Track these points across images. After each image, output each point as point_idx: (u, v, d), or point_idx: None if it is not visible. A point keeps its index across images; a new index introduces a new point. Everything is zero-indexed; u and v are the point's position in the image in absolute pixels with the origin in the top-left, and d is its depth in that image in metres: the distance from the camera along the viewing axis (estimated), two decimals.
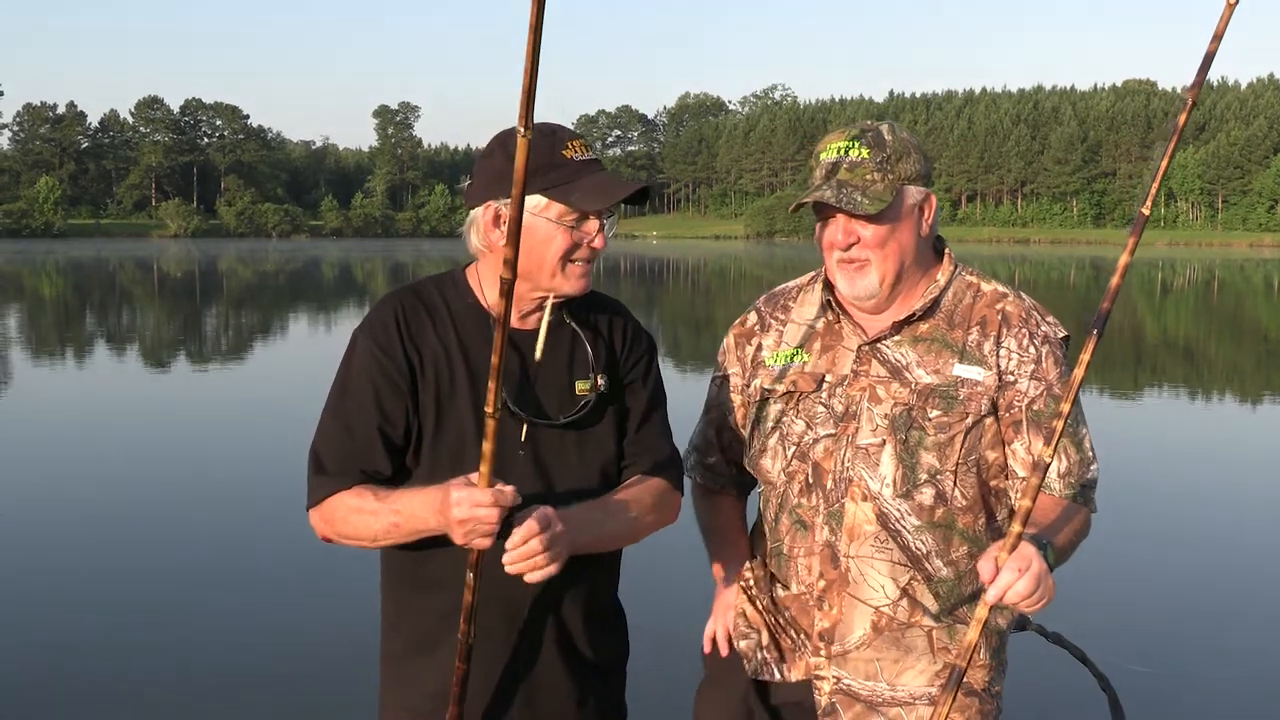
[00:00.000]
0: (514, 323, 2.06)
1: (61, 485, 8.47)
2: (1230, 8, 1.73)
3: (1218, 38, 1.75)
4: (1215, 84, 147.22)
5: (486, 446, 1.82)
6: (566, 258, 2.03)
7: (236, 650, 5.15)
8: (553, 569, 1.88)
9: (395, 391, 2.05)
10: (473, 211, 2.09)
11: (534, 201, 1.98)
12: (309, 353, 18.92)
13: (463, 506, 1.84)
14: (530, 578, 1.88)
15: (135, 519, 7.49)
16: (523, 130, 1.67)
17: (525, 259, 1.94)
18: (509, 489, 1.85)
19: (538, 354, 1.99)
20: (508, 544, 1.86)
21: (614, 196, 2.01)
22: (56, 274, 46.55)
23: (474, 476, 1.86)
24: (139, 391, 14.00)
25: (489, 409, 1.80)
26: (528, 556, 1.86)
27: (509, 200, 1.75)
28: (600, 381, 2.11)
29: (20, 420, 11.73)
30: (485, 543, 1.86)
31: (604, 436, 2.12)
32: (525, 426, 2.04)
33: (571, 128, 2.09)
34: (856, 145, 2.16)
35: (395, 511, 1.96)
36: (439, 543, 1.94)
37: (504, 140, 2.05)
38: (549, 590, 2.06)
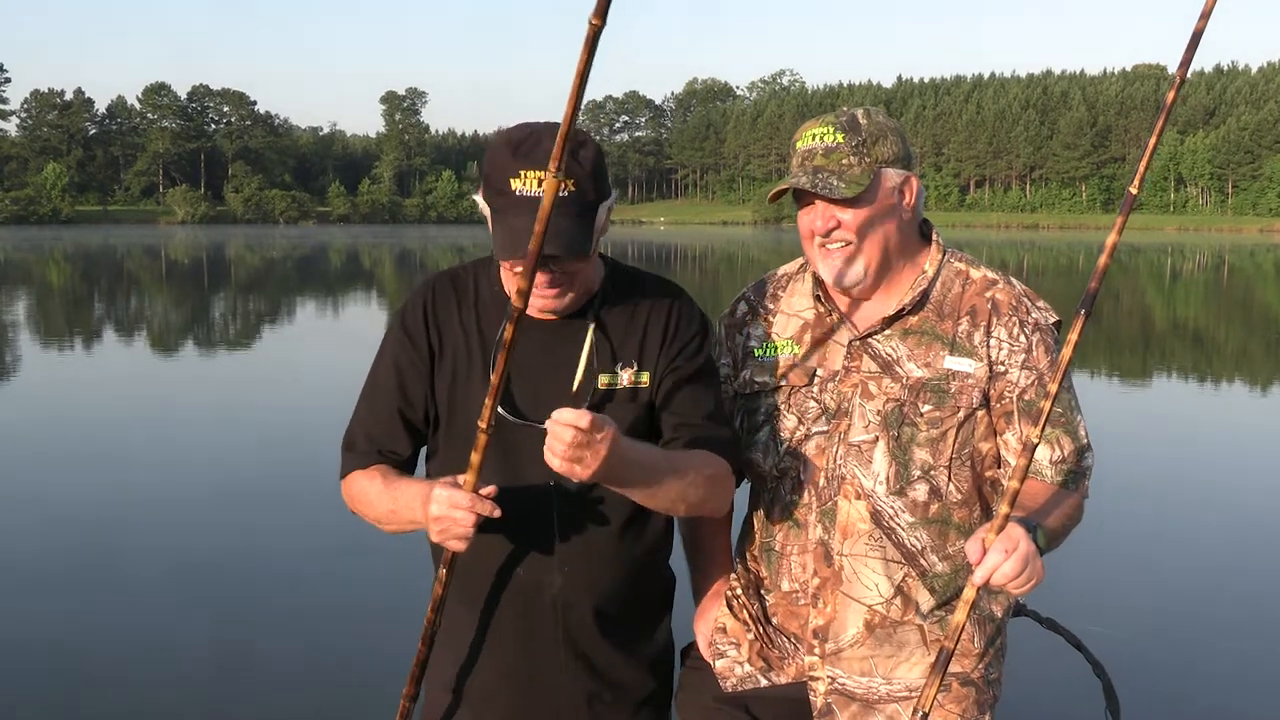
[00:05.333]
0: (535, 313, 2.04)
1: (71, 473, 8.47)
2: None
3: (1205, 16, 1.73)
4: (1225, 68, 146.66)
5: (474, 458, 1.84)
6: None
7: (254, 640, 5.15)
8: (563, 467, 1.80)
9: (416, 375, 2.09)
10: None
11: (487, 213, 1.97)
12: (317, 339, 18.95)
13: (440, 505, 1.85)
14: (547, 459, 1.81)
15: (149, 505, 7.49)
16: (553, 171, 1.67)
17: None
18: (488, 500, 1.85)
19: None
20: (555, 413, 1.78)
21: (512, 253, 1.90)
22: (64, 261, 46.63)
23: (461, 479, 1.87)
24: (148, 378, 14.02)
25: (482, 424, 1.82)
26: (558, 438, 1.78)
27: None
28: (626, 375, 2.06)
29: (27, 407, 11.73)
30: (458, 545, 1.88)
31: (628, 432, 2.04)
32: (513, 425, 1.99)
33: (582, 122, 2.04)
34: (831, 131, 2.14)
35: (394, 499, 2.00)
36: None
37: (490, 142, 2.02)
38: (568, 586, 2.06)
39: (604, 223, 2.01)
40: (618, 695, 2.16)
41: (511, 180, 1.90)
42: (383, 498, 2.03)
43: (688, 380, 2.09)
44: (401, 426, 2.10)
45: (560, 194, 1.84)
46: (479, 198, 2.00)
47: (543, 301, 2.02)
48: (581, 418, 1.76)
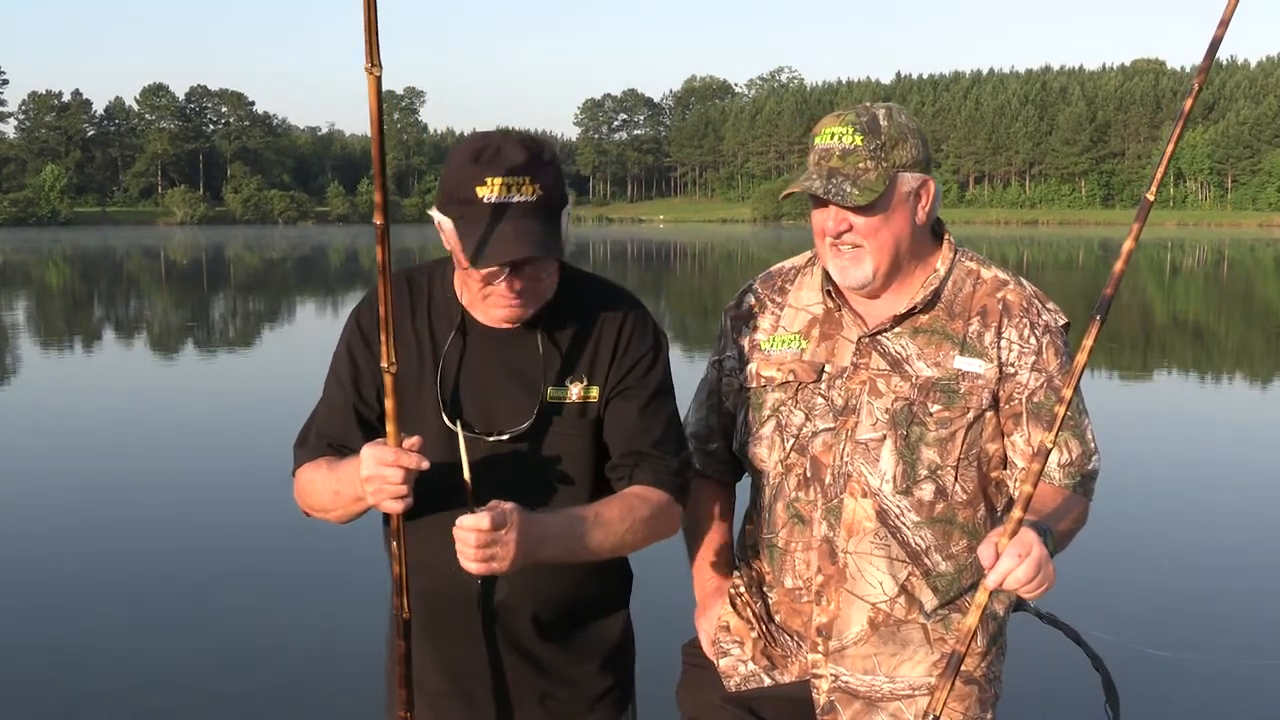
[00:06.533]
0: (493, 322, 2.03)
1: (68, 475, 8.47)
2: None
3: (1224, 23, 1.73)
4: (1225, 62, 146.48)
5: (388, 404, 1.82)
6: (481, 291, 1.98)
7: (247, 643, 5.15)
8: (479, 568, 1.81)
9: (371, 372, 2.07)
10: None
11: (447, 225, 1.93)
12: (317, 339, 18.94)
13: (367, 464, 1.83)
14: (466, 567, 1.82)
15: (145, 506, 7.50)
16: (369, 65, 1.63)
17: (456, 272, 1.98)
18: (414, 452, 1.82)
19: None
20: (458, 520, 1.81)
21: (497, 259, 1.88)
22: (63, 262, 46.64)
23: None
24: (149, 379, 14.02)
25: (384, 363, 1.81)
26: (464, 543, 1.80)
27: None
28: (576, 390, 2.03)
29: (28, 409, 11.73)
30: (394, 505, 1.84)
31: (577, 447, 2.05)
32: (464, 440, 1.94)
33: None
34: (850, 132, 2.12)
35: (336, 479, 1.97)
36: (424, 526, 1.95)
37: (449, 155, 1.99)
38: (512, 591, 2.05)
39: (566, 228, 1.98)
40: (571, 693, 2.16)
41: (477, 188, 1.87)
42: (327, 480, 1.99)
43: (637, 401, 2.05)
44: (355, 422, 2.07)
45: (529, 198, 1.88)
46: (435, 212, 1.96)
47: (508, 310, 1.99)
48: (480, 520, 1.77)
